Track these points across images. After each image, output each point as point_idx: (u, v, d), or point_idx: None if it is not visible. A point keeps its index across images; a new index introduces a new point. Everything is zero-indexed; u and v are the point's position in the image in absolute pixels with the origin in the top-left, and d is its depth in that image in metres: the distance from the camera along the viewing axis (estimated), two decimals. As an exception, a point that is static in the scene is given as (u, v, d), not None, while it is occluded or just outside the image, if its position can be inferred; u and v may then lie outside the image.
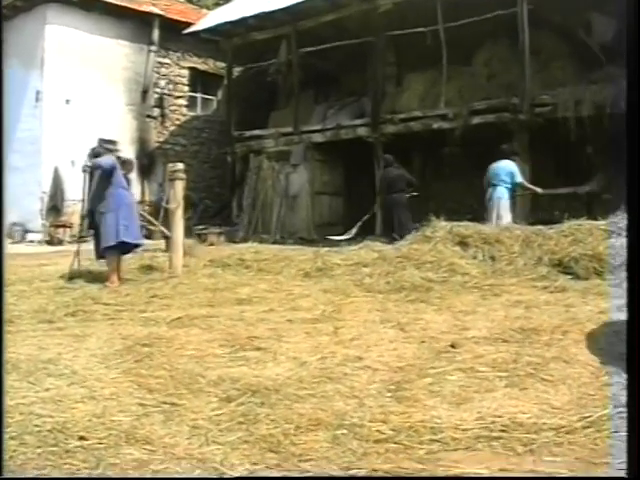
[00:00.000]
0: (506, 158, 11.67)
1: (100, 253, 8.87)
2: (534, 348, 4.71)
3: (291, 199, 17.46)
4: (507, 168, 11.55)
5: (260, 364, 4.48)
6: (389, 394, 3.83)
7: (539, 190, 11.87)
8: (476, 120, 14.52)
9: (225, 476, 2.91)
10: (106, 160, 8.72)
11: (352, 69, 17.93)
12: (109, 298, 7.31)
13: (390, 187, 12.91)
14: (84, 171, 8.95)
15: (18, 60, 17.75)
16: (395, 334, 5.37)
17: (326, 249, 10.65)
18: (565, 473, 2.88)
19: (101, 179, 8.70)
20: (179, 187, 9.20)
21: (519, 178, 11.60)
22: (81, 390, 3.94)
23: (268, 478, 2.91)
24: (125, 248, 8.83)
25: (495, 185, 11.48)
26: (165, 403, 3.71)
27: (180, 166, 9.36)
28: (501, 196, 11.44)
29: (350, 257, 9.45)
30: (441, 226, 9.67)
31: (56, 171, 17.89)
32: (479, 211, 11.99)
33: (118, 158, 9.22)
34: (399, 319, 5.91)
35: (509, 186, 11.53)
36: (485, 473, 2.89)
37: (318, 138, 17.43)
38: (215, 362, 4.54)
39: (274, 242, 15.91)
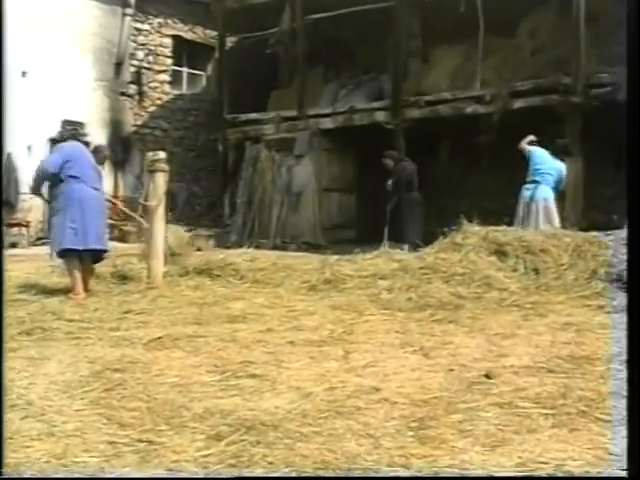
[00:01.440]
0: (557, 156, 11.69)
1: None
2: (587, 381, 4.70)
3: (294, 196, 17.51)
4: (557, 169, 11.58)
5: (256, 395, 4.49)
6: (410, 433, 3.83)
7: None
8: (518, 103, 14.54)
9: (225, 476, 3.00)
10: (50, 159, 8.92)
11: (369, 41, 17.98)
12: (73, 313, 7.34)
13: (409, 184, 13.01)
14: (34, 193, 9.15)
15: (-40, 23, 17.83)
16: (418, 361, 5.37)
17: (336, 257, 10.65)
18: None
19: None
20: (160, 180, 9.23)
21: (562, 186, 11.69)
22: (38, 425, 3.95)
23: (268, 478, 3.04)
24: (88, 254, 8.82)
25: (538, 182, 11.49)
26: (141, 441, 3.71)
27: (162, 155, 9.40)
28: (547, 197, 11.45)
29: (364, 267, 9.45)
30: (474, 231, 9.67)
31: (9, 158, 17.83)
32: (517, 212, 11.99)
33: (86, 144, 9.31)
34: (423, 343, 5.92)
35: (554, 186, 11.57)
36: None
37: (327, 124, 17.48)
38: (202, 392, 4.54)
39: (273, 247, 15.94)
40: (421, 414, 4.10)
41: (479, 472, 3.16)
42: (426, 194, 13.60)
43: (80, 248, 8.62)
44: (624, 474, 3.07)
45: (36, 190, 9.05)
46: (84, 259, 8.84)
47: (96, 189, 8.92)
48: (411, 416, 4.07)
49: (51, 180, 8.76)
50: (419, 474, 3.11)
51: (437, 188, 16.63)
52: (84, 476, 3.06)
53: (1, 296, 3.50)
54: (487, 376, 4.83)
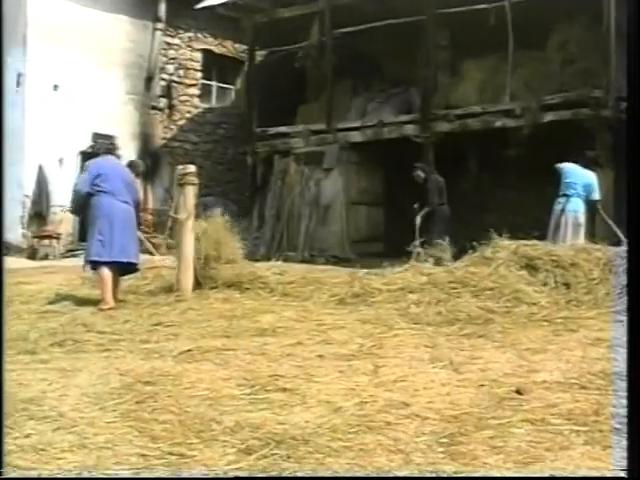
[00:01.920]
0: (587, 167, 11.64)
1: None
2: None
3: (322, 210, 17.53)
4: (587, 179, 11.52)
5: (286, 408, 4.49)
6: (441, 449, 3.81)
7: (615, 229, 11.59)
8: (548, 117, 14.49)
9: (225, 476, 3.01)
10: (82, 180, 9.34)
11: (398, 54, 18.00)
12: (104, 325, 7.40)
13: (441, 197, 13.06)
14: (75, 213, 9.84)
15: (-5, 37, 18.00)
16: (448, 376, 5.35)
17: (364, 271, 10.64)
18: None
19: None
20: (190, 193, 9.29)
21: (597, 195, 11.59)
22: (69, 437, 3.97)
23: (268, 478, 3.08)
24: (120, 266, 9.07)
25: (569, 196, 11.45)
26: (171, 454, 3.73)
27: (191, 168, 9.46)
28: (578, 209, 11.40)
29: (393, 281, 9.43)
30: (504, 245, 9.62)
31: (40, 170, 18.03)
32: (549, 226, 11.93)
33: (117, 157, 9.50)
34: (452, 357, 5.89)
35: (585, 199, 11.51)
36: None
37: (356, 137, 17.51)
38: (232, 405, 4.55)
39: (302, 261, 15.93)
40: (452, 430, 4.08)
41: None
42: (455, 208, 13.58)
43: (105, 260, 8.86)
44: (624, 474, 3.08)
45: (77, 212, 9.69)
46: (117, 272, 9.09)
47: (126, 202, 9.12)
48: (442, 432, 4.05)
49: (86, 198, 9.08)
50: (419, 474, 3.09)
51: (466, 202, 16.58)
52: (84, 476, 3.04)
53: (1, 298, 3.54)
54: (518, 392, 4.79)
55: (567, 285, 8.75)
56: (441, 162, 15.37)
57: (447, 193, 13.32)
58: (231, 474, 3.47)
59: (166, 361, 5.75)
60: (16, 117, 17.91)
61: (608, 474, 3.24)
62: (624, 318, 7.60)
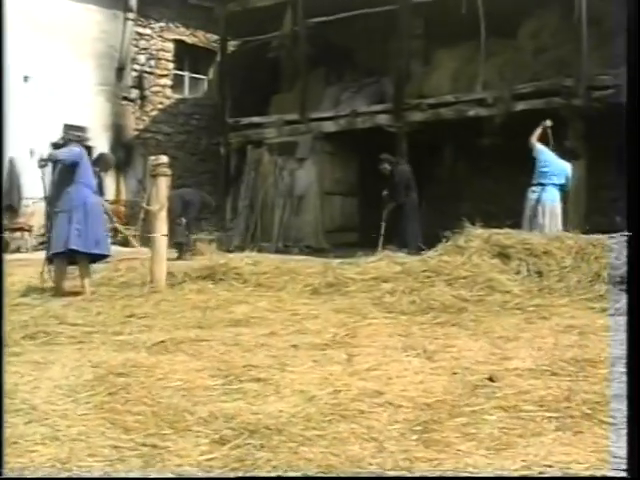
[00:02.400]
0: (563, 157, 11.72)
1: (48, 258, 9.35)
2: (591, 383, 4.70)
3: (296, 200, 17.54)
4: (563, 169, 11.60)
5: (259, 398, 4.49)
6: (415, 436, 3.83)
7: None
8: (520, 106, 14.56)
9: (225, 476, 3.04)
10: (66, 151, 9.13)
11: (371, 43, 17.99)
12: (76, 317, 7.35)
13: (408, 188, 13.11)
14: (41, 166, 9.16)
15: (-38, 28, 17.82)
16: (421, 364, 5.37)
17: (338, 260, 10.67)
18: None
19: (60, 173, 9.11)
20: (162, 185, 9.27)
21: (568, 187, 11.69)
22: (42, 429, 3.95)
23: (268, 478, 3.12)
24: (85, 257, 9.12)
25: (544, 185, 11.52)
26: (145, 445, 3.72)
27: (164, 159, 9.43)
28: (554, 199, 11.48)
29: (367, 270, 9.46)
30: (477, 234, 9.68)
31: (11, 163, 17.88)
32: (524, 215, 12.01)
33: (88, 148, 9.48)
34: (426, 346, 5.92)
35: (560, 188, 11.59)
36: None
37: (329, 127, 17.52)
38: (205, 395, 4.54)
39: (276, 251, 15.97)
40: (425, 417, 4.10)
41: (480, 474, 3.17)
42: (428, 197, 13.65)
43: (81, 250, 8.97)
44: (624, 474, 3.11)
45: (43, 165, 9.21)
46: (82, 261, 9.19)
47: (97, 193, 9.44)
48: (415, 420, 4.07)
49: (63, 169, 9.00)
50: (419, 474, 3.12)
51: (439, 191, 16.65)
52: (84, 476, 3.05)
53: (1, 298, 3.53)
54: (491, 379, 4.83)
55: (540, 273, 8.82)
56: (415, 151, 15.41)
57: (421, 182, 13.36)
58: (205, 464, 3.47)
59: (139, 352, 5.72)
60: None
61: (608, 474, 3.24)
62: (595, 305, 7.70)
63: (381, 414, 4.17)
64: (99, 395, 4.55)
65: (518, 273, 8.88)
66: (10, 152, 17.66)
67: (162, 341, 6.07)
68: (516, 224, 10.61)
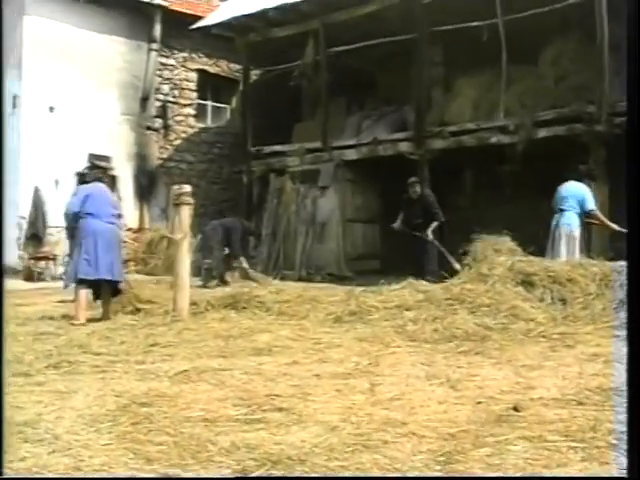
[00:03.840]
0: (579, 180, 11.68)
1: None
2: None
3: (319, 227, 17.53)
4: (579, 192, 11.55)
5: (282, 428, 4.47)
6: (438, 467, 3.80)
7: (614, 227, 11.65)
8: (542, 133, 14.51)
9: (225, 476, 3.05)
10: (72, 201, 10.10)
11: (392, 72, 18.08)
12: (100, 346, 7.38)
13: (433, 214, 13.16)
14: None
15: (-11, 59, 18.01)
16: (445, 393, 5.33)
17: (361, 288, 10.64)
18: None
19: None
20: (185, 214, 9.30)
21: (591, 205, 11.58)
22: (65, 460, 3.94)
23: (268, 478, 3.17)
24: (106, 285, 9.59)
25: (563, 210, 11.47)
26: (167, 476, 3.71)
27: (187, 188, 9.48)
28: (571, 223, 11.41)
29: (390, 298, 9.44)
30: (500, 261, 9.64)
31: (36, 192, 18.04)
32: (546, 243, 11.94)
33: (112, 177, 9.99)
34: (449, 375, 5.88)
35: (580, 213, 11.52)
36: None
37: (351, 155, 17.53)
38: (228, 425, 4.53)
39: (298, 279, 15.96)
40: (449, 448, 4.06)
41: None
42: (450, 225, 13.58)
43: (92, 278, 9.43)
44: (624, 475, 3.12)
45: (70, 233, 10.67)
46: (103, 289, 9.64)
47: (111, 223, 9.69)
48: (439, 450, 4.03)
49: (75, 219, 9.73)
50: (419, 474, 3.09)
51: (461, 218, 16.60)
52: (84, 476, 3.04)
53: (1, 302, 3.57)
54: (515, 409, 4.78)
55: (564, 301, 8.76)
56: (436, 179, 15.39)
57: (443, 210, 13.37)
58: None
59: (162, 382, 5.73)
60: (12, 139, 17.96)
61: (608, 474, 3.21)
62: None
63: (404, 444, 4.14)
64: (122, 425, 4.54)
65: (542, 301, 8.82)
66: (35, 181, 17.86)
67: (185, 370, 6.08)
68: (538, 251, 10.54)
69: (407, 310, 8.90)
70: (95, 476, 3.17)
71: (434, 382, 5.66)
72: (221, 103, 22.55)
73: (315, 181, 17.75)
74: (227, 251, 14.89)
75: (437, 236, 13.06)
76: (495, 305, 8.57)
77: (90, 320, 9.32)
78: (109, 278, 9.53)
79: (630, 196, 3.28)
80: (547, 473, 3.67)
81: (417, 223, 13.20)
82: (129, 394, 5.26)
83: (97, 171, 10.57)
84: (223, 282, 14.37)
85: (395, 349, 7.12)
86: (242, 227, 15.30)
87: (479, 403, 5.00)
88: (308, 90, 19.45)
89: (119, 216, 10.13)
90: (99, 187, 10.08)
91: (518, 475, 3.25)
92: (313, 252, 17.53)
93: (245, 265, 14.67)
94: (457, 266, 11.34)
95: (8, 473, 3.20)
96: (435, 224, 13.09)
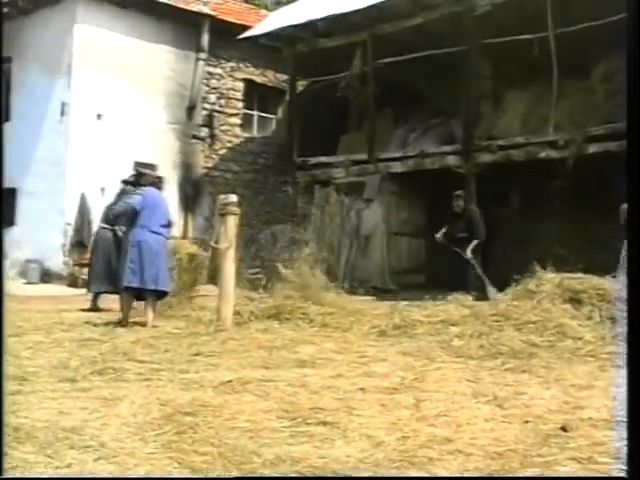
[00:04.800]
0: None
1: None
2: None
3: (363, 240, 17.51)
4: None
5: (327, 442, 4.47)
6: (486, 486, 3.77)
7: None
8: (593, 148, 14.37)
9: (225, 476, 3.05)
10: (136, 199, 10.12)
11: (440, 85, 18.01)
12: (144, 354, 7.45)
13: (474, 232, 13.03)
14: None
15: (40, 65, 18.23)
16: (491, 411, 5.30)
17: (405, 302, 10.63)
18: None
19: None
20: (231, 223, 9.37)
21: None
22: (110, 467, 3.98)
23: (268, 478, 3.21)
24: (150, 293, 9.75)
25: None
26: (212, 487, 3.73)
27: (233, 198, 9.57)
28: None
29: (435, 313, 9.42)
30: (548, 278, 9.55)
31: (83, 199, 18.20)
32: (595, 259, 11.79)
33: (156, 180, 10.12)
34: (496, 392, 5.84)
35: None
36: None
37: (397, 168, 17.50)
38: (272, 438, 4.54)
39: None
40: (496, 467, 4.03)
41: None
42: (497, 240, 13.50)
43: (135, 286, 9.67)
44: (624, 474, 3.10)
45: (115, 221, 11.23)
46: (147, 297, 9.80)
47: (158, 233, 9.83)
48: (485, 469, 4.00)
49: (132, 218, 9.91)
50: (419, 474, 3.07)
51: (508, 234, 16.49)
52: (84, 476, 3.06)
53: (1, 301, 3.63)
54: (564, 429, 4.73)
55: (613, 319, 8.64)
56: (483, 193, 15.31)
57: (490, 225, 13.27)
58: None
59: (206, 392, 5.76)
60: (60, 146, 18.24)
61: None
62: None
63: (451, 462, 4.11)
64: (167, 434, 4.57)
65: (590, 319, 8.71)
66: (82, 188, 18.04)
67: (229, 380, 6.10)
68: (588, 269, 10.41)
69: (453, 325, 8.89)
70: (95, 476, 3.18)
71: (480, 399, 5.63)
72: (267, 113, 22.64)
73: (360, 193, 17.74)
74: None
75: (477, 255, 12.91)
76: (542, 322, 8.49)
77: (135, 323, 9.64)
78: (152, 288, 9.70)
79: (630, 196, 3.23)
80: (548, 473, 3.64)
81: (459, 238, 13.09)
82: (174, 403, 5.30)
83: (153, 176, 10.55)
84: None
85: (440, 364, 7.10)
86: (289, 233, 15.27)
87: (527, 422, 4.96)
88: (355, 101, 19.46)
89: (169, 225, 10.25)
90: (153, 194, 10.19)
91: (519, 476, 3.21)
92: (357, 265, 17.52)
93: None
94: (492, 294, 11.21)
95: (8, 473, 3.23)
96: (475, 242, 12.92)
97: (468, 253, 12.78)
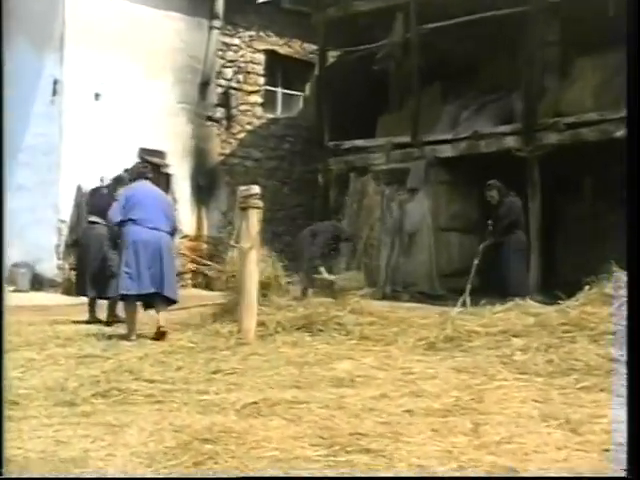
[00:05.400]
0: None
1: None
2: None
3: (407, 237, 17.49)
4: None
5: (370, 473, 4.47)
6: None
7: None
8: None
9: (225, 476, 3.15)
10: (113, 210, 10.18)
11: (497, 53, 17.92)
12: (154, 372, 7.49)
13: (515, 225, 12.95)
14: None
15: (28, 39, 18.17)
16: (564, 437, 5.28)
17: (458, 310, 10.60)
18: None
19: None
20: (254, 219, 9.36)
21: None
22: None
23: (268, 478, 3.43)
24: (160, 300, 9.81)
25: None
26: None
27: (256, 189, 9.55)
28: None
29: (494, 322, 9.41)
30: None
31: (79, 192, 18.11)
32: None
33: (165, 176, 10.18)
34: (569, 415, 5.82)
35: None
36: None
37: (447, 152, 17.46)
38: (306, 468, 4.54)
39: (383, 297, 15.91)
40: (571, 503, 4.02)
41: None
42: (566, 235, 13.42)
43: (134, 293, 9.68)
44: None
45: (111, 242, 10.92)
46: (156, 305, 9.83)
47: (156, 229, 9.78)
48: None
49: (118, 229, 9.98)
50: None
51: (579, 228, 16.40)
52: (84, 476, 3.07)
53: (1, 303, 3.70)
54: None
55: None
56: (548, 180, 15.23)
57: (557, 219, 13.16)
58: None
59: (228, 415, 5.78)
60: (52, 130, 18.19)
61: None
62: None
63: (517, 497, 4.11)
64: (182, 465, 4.60)
65: (680, 328, 8.64)
66: (78, 180, 17.96)
67: (254, 402, 6.12)
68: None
69: (515, 337, 8.87)
70: (95, 476, 3.19)
71: (550, 423, 5.61)
72: (293, 90, 22.62)
73: (403, 182, 17.72)
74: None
75: (486, 256, 12.84)
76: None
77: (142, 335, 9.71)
78: (153, 291, 9.71)
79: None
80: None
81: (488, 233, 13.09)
82: (190, 429, 5.32)
83: (140, 166, 10.53)
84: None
85: (501, 382, 7.08)
86: (333, 232, 15.11)
87: (606, 450, 4.93)
88: (396, 75, 19.42)
89: (171, 221, 10.24)
90: (144, 186, 10.25)
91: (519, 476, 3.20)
92: (400, 266, 17.51)
93: (326, 275, 14.53)
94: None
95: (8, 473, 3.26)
96: (487, 242, 12.87)
97: (480, 247, 12.82)
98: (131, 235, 9.67)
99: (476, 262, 12.92)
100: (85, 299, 12.19)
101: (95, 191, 12.86)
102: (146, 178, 10.35)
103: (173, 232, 10.34)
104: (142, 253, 9.59)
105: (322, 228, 14.99)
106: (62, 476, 3.30)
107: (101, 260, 11.69)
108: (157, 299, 9.82)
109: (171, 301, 10.04)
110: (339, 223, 16.49)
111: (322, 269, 14.61)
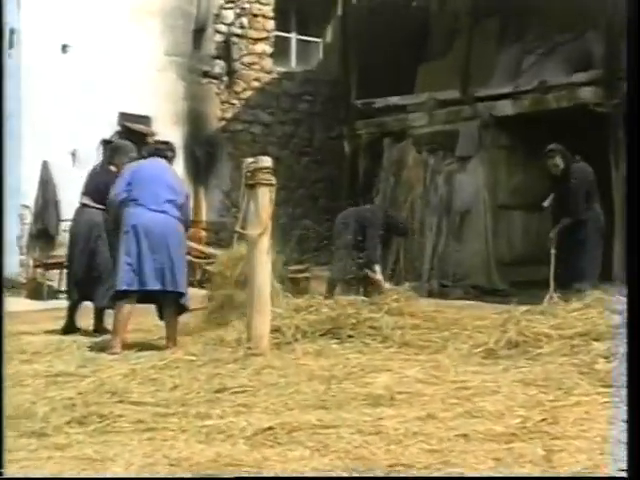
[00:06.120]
0: None
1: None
2: None
3: (457, 218, 17.48)
4: None
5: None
6: None
7: None
8: None
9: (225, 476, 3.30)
10: (115, 189, 10.12)
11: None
12: (143, 393, 7.49)
13: (591, 197, 12.85)
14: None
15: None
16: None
17: (523, 308, 10.57)
18: None
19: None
20: (265, 199, 9.33)
21: None
22: None
23: (268, 478, 3.82)
24: (169, 300, 9.80)
25: None
26: None
27: (267, 162, 9.52)
28: None
29: (569, 323, 9.39)
30: None
31: (45, 168, 18.11)
32: None
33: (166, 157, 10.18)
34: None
35: None
36: None
37: (506, 109, 17.43)
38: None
39: (428, 294, 15.90)
40: None
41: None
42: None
43: (134, 289, 9.65)
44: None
45: (112, 228, 10.56)
46: (165, 307, 9.88)
47: (163, 212, 9.74)
48: None
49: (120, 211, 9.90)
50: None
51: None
52: (84, 476, 3.07)
53: (1, 306, 3.77)
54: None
55: None
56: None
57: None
58: None
59: (236, 444, 5.78)
60: (9, 92, 18.12)
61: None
62: None
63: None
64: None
65: None
66: (44, 154, 17.96)
67: (269, 428, 6.12)
68: None
69: (596, 340, 8.83)
70: (95, 476, 3.21)
71: (643, 448, 5.59)
72: (310, 36, 22.60)
73: (452, 149, 17.71)
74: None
75: (562, 242, 12.79)
76: None
77: (141, 348, 9.64)
78: (157, 288, 9.66)
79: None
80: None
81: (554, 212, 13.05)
82: (189, 462, 5.33)
83: (157, 143, 10.61)
84: None
85: (580, 398, 7.06)
86: (384, 220, 14.92)
87: None
88: (439, 13, 19.37)
89: (180, 203, 10.10)
90: (156, 164, 10.26)
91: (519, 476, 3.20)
92: (449, 255, 17.54)
93: (379, 277, 14.45)
94: None
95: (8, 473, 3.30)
96: (563, 223, 12.76)
97: (551, 237, 12.72)
98: (132, 218, 9.66)
99: (553, 252, 12.81)
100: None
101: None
102: (164, 157, 10.34)
103: (186, 225, 10.33)
104: (144, 240, 9.55)
105: (369, 214, 14.74)
106: (62, 476, 3.37)
107: (89, 255, 11.61)
108: (165, 301, 9.85)
109: (181, 306, 9.97)
110: (392, 210, 16.39)
111: (377, 268, 14.47)
